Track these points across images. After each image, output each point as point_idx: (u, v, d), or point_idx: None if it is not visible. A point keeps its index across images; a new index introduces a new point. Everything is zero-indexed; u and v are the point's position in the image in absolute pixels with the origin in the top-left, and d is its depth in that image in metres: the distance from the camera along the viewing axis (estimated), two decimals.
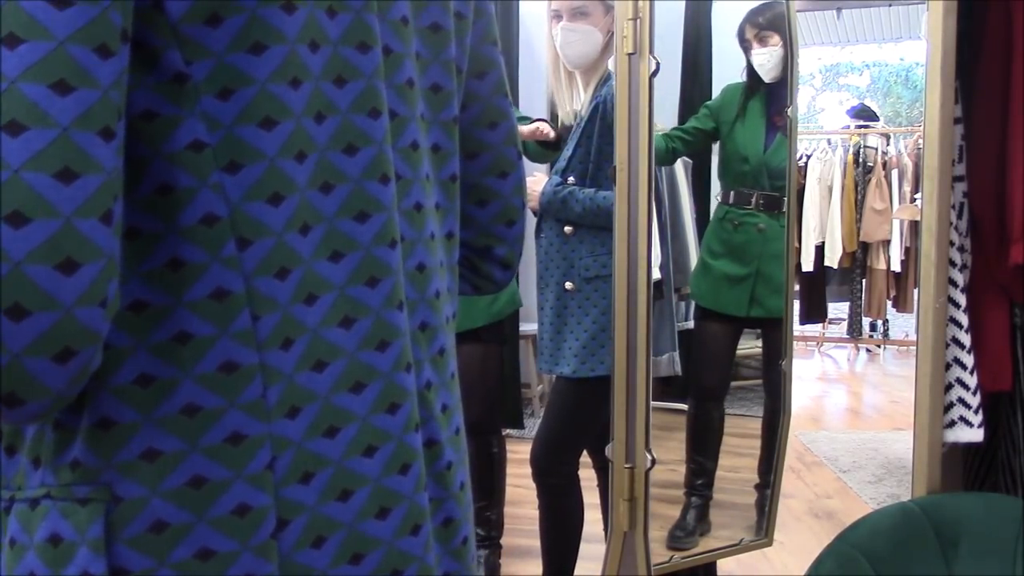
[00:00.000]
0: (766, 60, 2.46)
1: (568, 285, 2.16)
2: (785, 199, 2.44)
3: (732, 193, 2.53)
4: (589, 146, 2.12)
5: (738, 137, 2.51)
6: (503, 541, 2.74)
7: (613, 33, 2.14)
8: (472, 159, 0.83)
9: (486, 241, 0.86)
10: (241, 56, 0.57)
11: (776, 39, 2.43)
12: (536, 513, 2.34)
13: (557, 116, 2.39)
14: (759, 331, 2.72)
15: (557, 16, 2.18)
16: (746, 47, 2.52)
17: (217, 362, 0.58)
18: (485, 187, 0.84)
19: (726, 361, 2.66)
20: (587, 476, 2.38)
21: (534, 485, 2.31)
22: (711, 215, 2.76)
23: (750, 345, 3.00)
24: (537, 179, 2.22)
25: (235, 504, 0.59)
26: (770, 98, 2.50)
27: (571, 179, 2.15)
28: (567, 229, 2.16)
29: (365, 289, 0.65)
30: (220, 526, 0.58)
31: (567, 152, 2.18)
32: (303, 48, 0.60)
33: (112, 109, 0.52)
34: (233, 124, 0.58)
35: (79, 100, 0.51)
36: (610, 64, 1.80)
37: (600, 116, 2.09)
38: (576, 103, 2.24)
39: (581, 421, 2.24)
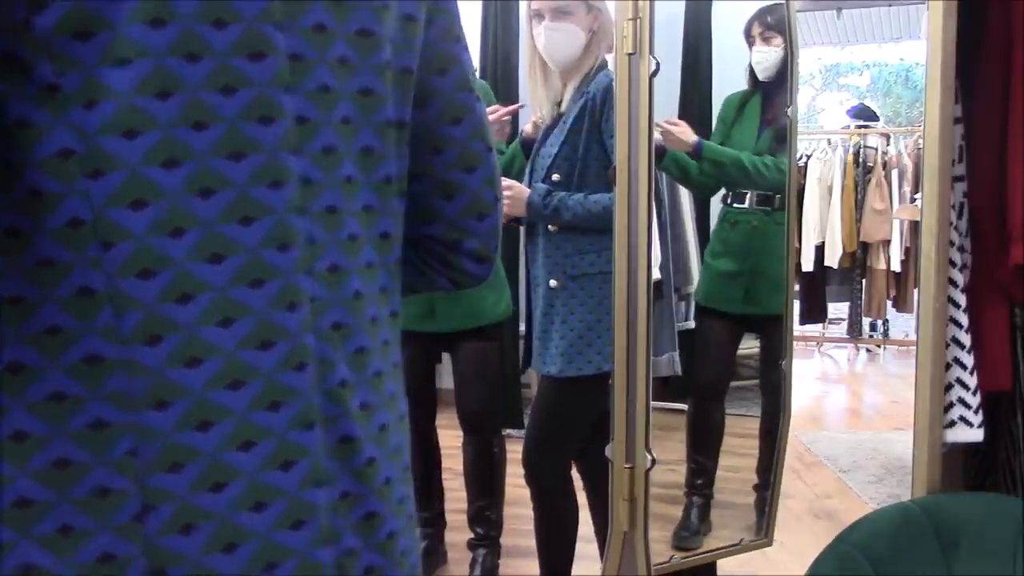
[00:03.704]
0: (764, 58, 2.50)
1: (553, 283, 2.14)
2: (777, 196, 2.45)
3: (731, 193, 2.57)
4: (576, 143, 2.10)
5: (734, 138, 2.54)
6: (503, 541, 2.74)
7: (595, 32, 2.15)
8: (437, 154, 0.84)
9: (455, 235, 0.88)
10: (106, 70, 0.61)
11: (779, 40, 2.45)
12: None
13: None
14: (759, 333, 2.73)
15: (538, 16, 2.16)
16: (749, 43, 2.54)
17: (82, 354, 0.63)
18: (451, 181, 0.86)
19: (726, 360, 2.66)
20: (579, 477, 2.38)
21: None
22: (710, 215, 2.77)
23: (750, 345, 3.00)
24: (519, 189, 2.17)
25: (96, 485, 0.63)
26: (766, 99, 2.52)
27: (556, 176, 2.12)
28: (551, 227, 2.15)
29: (248, 290, 0.67)
30: (82, 505, 0.63)
31: (552, 150, 2.15)
32: (175, 60, 0.63)
33: None
34: (97, 134, 0.61)
35: None
36: (610, 63, 1.80)
37: (588, 114, 2.08)
38: (560, 102, 2.22)
39: (570, 421, 2.21)
